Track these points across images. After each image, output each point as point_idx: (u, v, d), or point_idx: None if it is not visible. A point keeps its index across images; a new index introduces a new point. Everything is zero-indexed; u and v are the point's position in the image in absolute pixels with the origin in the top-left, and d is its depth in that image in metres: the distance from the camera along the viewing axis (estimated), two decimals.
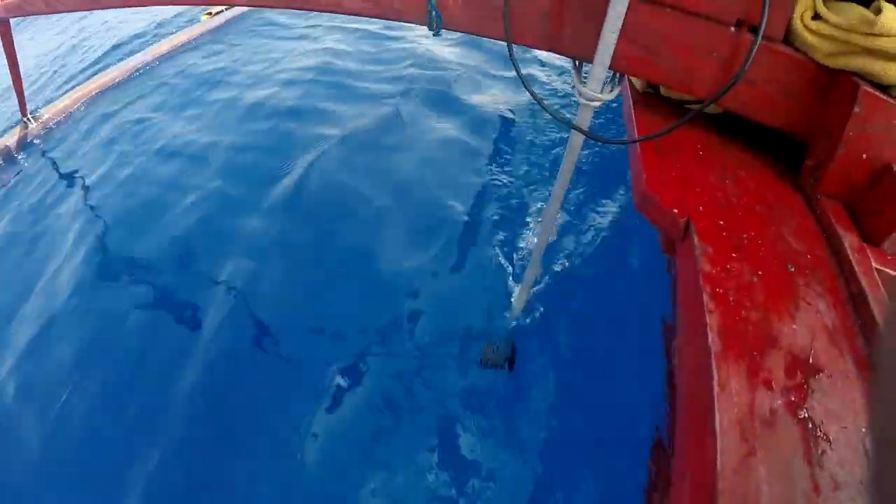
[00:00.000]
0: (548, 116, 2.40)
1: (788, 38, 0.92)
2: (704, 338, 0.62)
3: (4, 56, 2.60)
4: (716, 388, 0.57)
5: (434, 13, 0.98)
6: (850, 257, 0.81)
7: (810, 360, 0.65)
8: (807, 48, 0.91)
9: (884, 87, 0.86)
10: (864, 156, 0.89)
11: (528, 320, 1.59)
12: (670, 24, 0.90)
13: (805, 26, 0.89)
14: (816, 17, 0.89)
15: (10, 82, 2.79)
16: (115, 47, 4.18)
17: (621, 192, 1.91)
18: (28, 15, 2.24)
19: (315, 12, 1.24)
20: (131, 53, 3.85)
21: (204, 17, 4.14)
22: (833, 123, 0.90)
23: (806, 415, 0.59)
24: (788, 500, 0.52)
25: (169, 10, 4.54)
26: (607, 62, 0.91)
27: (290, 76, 3.22)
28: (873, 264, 0.82)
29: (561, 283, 1.67)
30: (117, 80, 3.49)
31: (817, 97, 0.93)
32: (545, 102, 0.97)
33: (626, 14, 0.86)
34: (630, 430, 1.30)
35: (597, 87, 0.94)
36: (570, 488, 1.34)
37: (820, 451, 0.57)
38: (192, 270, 2.02)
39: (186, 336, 1.77)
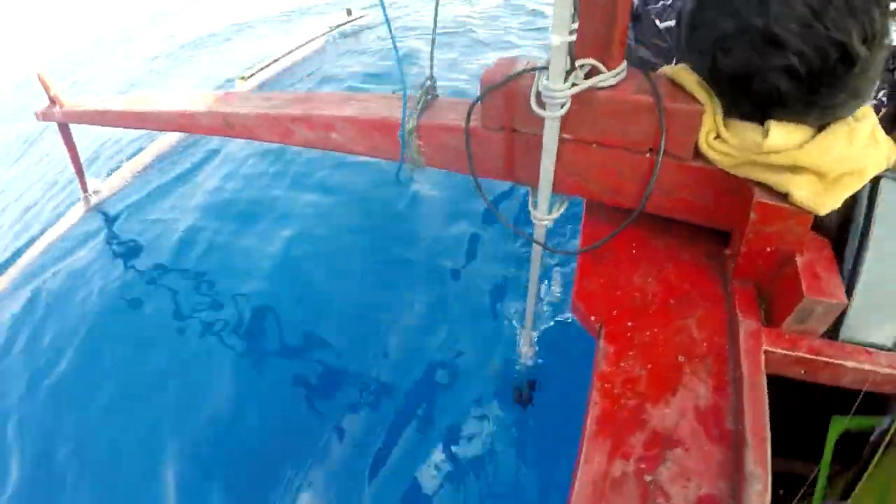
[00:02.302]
0: None
1: (698, 154, 1.12)
2: (585, 424, 0.89)
3: (65, 147, 3.22)
4: (582, 462, 0.84)
5: (409, 155, 1.31)
6: (741, 343, 1.01)
7: (672, 437, 0.89)
8: (714, 162, 1.11)
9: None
10: (768, 249, 1.08)
11: (538, 360, 1.89)
12: (595, 156, 1.14)
13: (709, 146, 1.07)
14: (719, 136, 1.09)
15: (71, 168, 3.42)
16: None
17: None
18: (83, 123, 2.77)
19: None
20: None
21: (239, 81, 4.70)
22: (736, 224, 1.10)
23: (651, 478, 0.84)
24: None
25: (205, 80, 5.13)
26: (549, 190, 1.18)
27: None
28: (763, 346, 1.01)
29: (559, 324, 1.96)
30: (170, 148, 4.01)
31: (729, 198, 1.12)
32: (507, 222, 1.26)
33: (558, 153, 1.13)
34: None
35: (545, 210, 1.21)
36: None
37: None
38: (247, 339, 2.54)
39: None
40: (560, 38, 0.89)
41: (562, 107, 0.99)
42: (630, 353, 1.00)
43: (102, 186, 3.82)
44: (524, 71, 1.05)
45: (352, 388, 2.20)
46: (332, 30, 5.66)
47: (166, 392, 2.31)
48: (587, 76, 1.02)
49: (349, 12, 5.98)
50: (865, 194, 1.09)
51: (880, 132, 1.00)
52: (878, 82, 1.22)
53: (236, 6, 7.64)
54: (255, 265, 2.86)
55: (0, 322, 2.97)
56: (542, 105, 1.00)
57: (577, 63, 1.00)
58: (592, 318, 1.07)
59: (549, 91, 0.96)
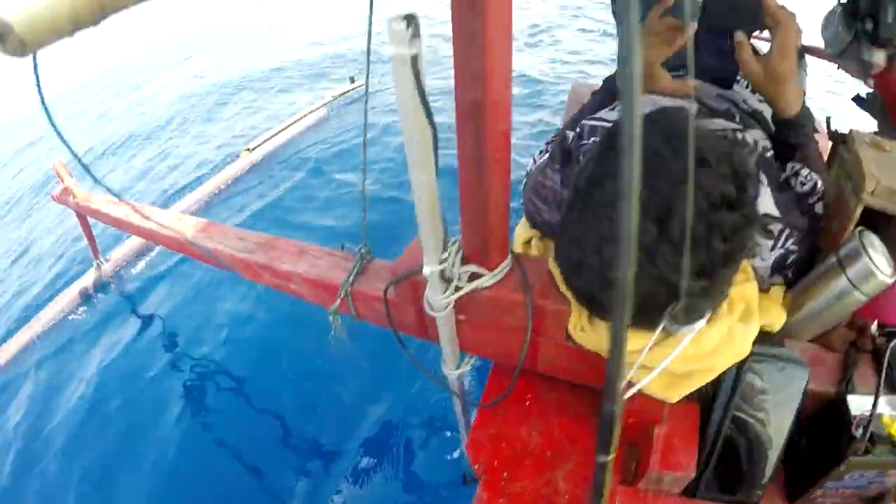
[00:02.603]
0: None
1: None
2: None
3: (77, 221, 3.51)
4: None
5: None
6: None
7: None
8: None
9: None
10: (630, 420, 1.27)
11: None
12: (487, 332, 1.34)
13: (576, 335, 1.22)
14: (584, 329, 1.21)
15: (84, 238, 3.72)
16: (171, 187, 5.11)
17: None
18: (98, 220, 3.11)
19: None
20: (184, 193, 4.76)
21: (243, 153, 5.03)
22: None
23: None
24: None
25: (211, 152, 5.45)
26: (453, 353, 1.42)
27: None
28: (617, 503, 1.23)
29: None
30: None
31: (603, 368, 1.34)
32: (429, 373, 1.49)
33: (456, 327, 1.36)
34: None
35: (452, 367, 1.46)
36: None
37: None
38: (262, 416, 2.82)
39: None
40: (430, 268, 1.14)
41: (445, 308, 1.24)
42: (500, 501, 1.23)
43: (113, 254, 4.13)
44: (412, 273, 1.30)
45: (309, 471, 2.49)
46: (334, 98, 6.06)
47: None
48: (471, 278, 1.27)
49: (352, 80, 6.39)
50: (732, 372, 1.18)
51: (739, 328, 1.06)
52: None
53: (235, 71, 8.01)
54: (254, 335, 3.23)
55: (17, 378, 3.33)
56: (431, 308, 1.26)
57: (460, 270, 1.25)
58: (476, 466, 1.30)
59: (433, 300, 1.22)
